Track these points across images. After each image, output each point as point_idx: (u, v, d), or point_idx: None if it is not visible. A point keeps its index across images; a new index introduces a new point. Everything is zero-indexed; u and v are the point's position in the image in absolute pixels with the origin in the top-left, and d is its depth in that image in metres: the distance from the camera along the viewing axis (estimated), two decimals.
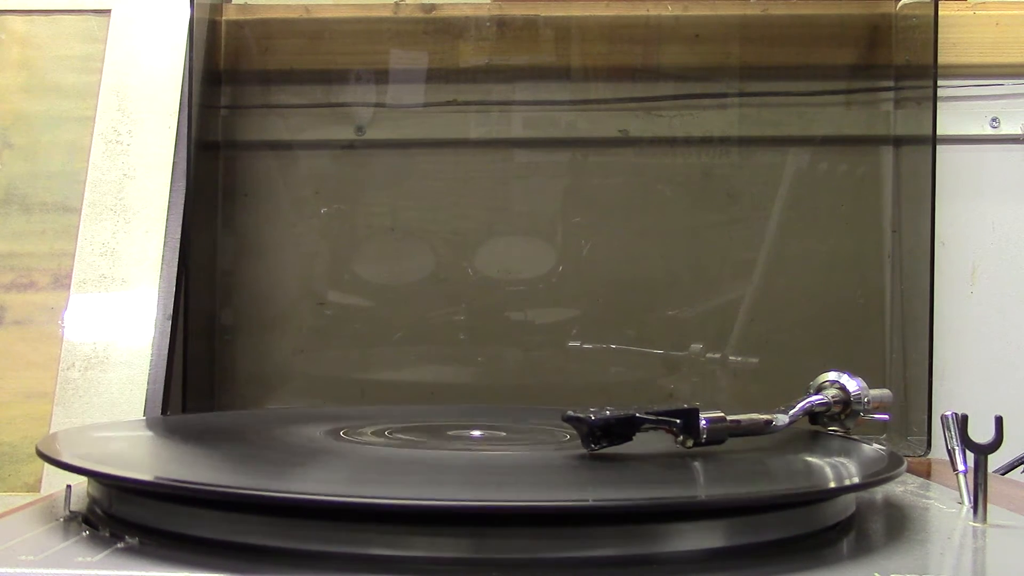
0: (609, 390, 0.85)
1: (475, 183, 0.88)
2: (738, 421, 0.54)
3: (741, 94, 0.87)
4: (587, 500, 0.41)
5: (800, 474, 0.51)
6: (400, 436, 0.58)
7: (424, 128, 0.88)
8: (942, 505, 0.54)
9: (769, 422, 0.56)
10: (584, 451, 0.51)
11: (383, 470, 0.49)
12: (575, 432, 0.53)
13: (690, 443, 0.51)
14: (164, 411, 0.74)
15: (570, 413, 0.50)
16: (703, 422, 0.51)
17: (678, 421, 0.51)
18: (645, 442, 0.51)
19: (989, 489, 0.51)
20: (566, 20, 0.87)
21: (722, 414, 0.53)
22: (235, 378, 0.87)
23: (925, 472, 0.72)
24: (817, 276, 0.86)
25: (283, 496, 0.40)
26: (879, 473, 0.49)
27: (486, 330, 0.86)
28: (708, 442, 0.52)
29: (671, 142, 0.87)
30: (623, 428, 0.50)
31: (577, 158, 0.88)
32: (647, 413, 0.50)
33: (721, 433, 0.52)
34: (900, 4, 0.86)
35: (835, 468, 0.53)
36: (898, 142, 0.86)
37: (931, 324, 0.80)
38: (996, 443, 0.51)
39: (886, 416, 0.62)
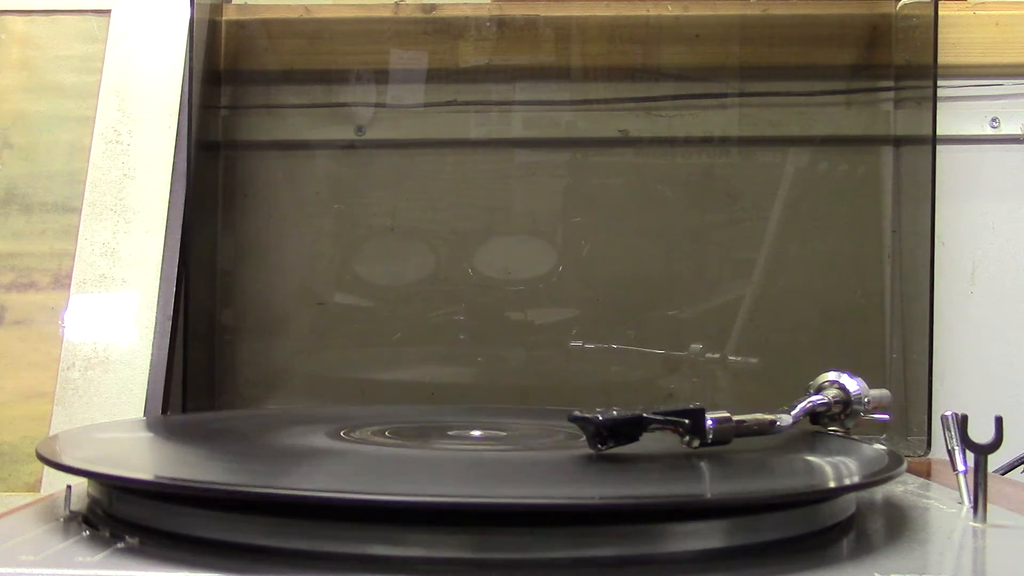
0: (609, 390, 0.85)
1: (475, 183, 0.88)
2: (743, 421, 0.54)
3: (741, 94, 0.87)
4: (593, 498, 0.41)
5: (801, 474, 0.51)
6: (400, 436, 0.58)
7: (424, 128, 0.88)
8: (942, 505, 0.54)
9: (774, 422, 0.56)
10: (583, 450, 0.51)
11: (383, 470, 0.49)
12: (575, 432, 0.53)
13: (696, 443, 0.51)
14: (164, 411, 0.74)
15: (576, 413, 0.50)
16: (709, 422, 0.51)
17: (686, 422, 0.51)
18: (643, 441, 0.51)
19: (989, 489, 0.51)
20: (566, 20, 0.87)
21: (728, 414, 0.52)
22: (235, 378, 0.87)
23: (925, 472, 0.72)
24: (817, 276, 0.86)
25: (283, 495, 0.40)
26: (879, 473, 0.49)
27: (486, 330, 0.86)
28: (714, 443, 0.52)
29: (671, 142, 0.87)
30: (630, 428, 0.50)
31: (577, 158, 0.88)
32: (654, 413, 0.50)
33: (727, 433, 0.52)
34: (900, 4, 0.86)
35: (835, 468, 0.53)
36: (898, 142, 0.86)
37: (931, 324, 0.80)
38: (996, 443, 0.51)
39: (886, 416, 0.62)
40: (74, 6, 0.84)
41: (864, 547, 0.45)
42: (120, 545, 0.42)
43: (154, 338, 0.75)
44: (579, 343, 0.86)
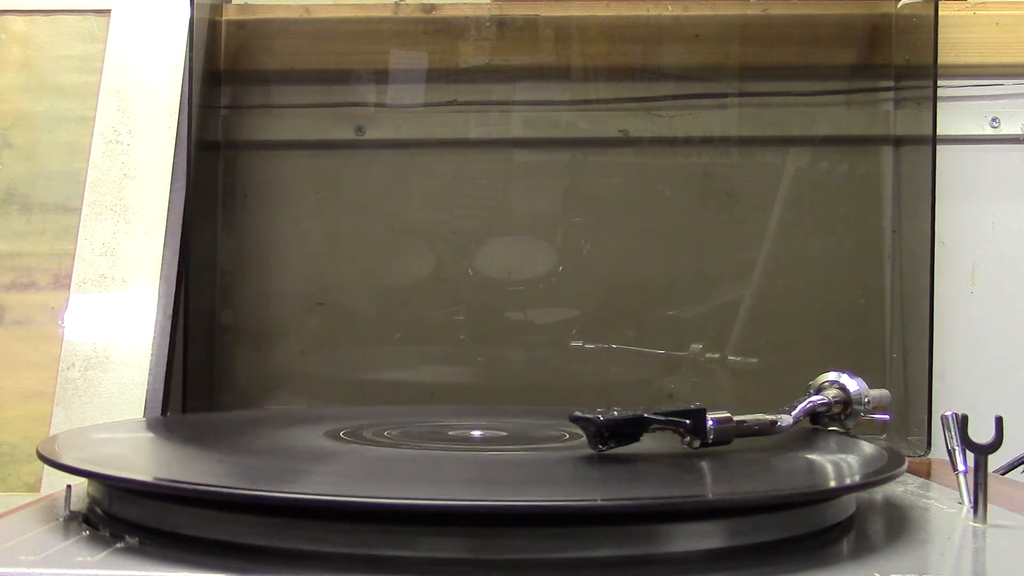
0: (609, 390, 0.85)
1: (475, 183, 0.88)
2: (744, 422, 0.54)
3: (741, 94, 0.87)
4: (596, 500, 0.41)
5: (801, 474, 0.51)
6: (400, 436, 0.58)
7: (424, 128, 0.88)
8: (942, 505, 0.54)
9: (774, 422, 0.56)
10: (583, 451, 0.51)
11: (383, 470, 0.49)
12: (575, 432, 0.53)
13: (697, 444, 0.51)
14: (164, 411, 0.74)
15: (578, 414, 0.50)
16: (710, 423, 0.51)
17: (687, 422, 0.51)
18: (641, 441, 0.51)
19: (989, 489, 0.51)
20: (566, 20, 0.87)
21: (729, 415, 0.52)
22: (235, 378, 0.87)
23: (925, 472, 0.72)
24: (817, 276, 0.86)
25: (282, 496, 0.40)
26: (879, 473, 0.49)
27: (486, 330, 0.86)
28: (715, 443, 0.51)
29: (671, 142, 0.87)
30: (631, 429, 0.50)
31: (577, 158, 0.88)
32: (655, 414, 0.50)
33: (728, 434, 0.52)
34: (900, 4, 0.86)
35: (836, 468, 0.53)
36: (898, 142, 0.86)
37: (931, 324, 0.80)
38: (996, 443, 0.51)
39: (886, 416, 0.62)
40: (74, 6, 0.84)
41: (864, 547, 0.45)
42: (120, 545, 0.42)
43: (154, 338, 0.75)
44: (579, 343, 0.85)
